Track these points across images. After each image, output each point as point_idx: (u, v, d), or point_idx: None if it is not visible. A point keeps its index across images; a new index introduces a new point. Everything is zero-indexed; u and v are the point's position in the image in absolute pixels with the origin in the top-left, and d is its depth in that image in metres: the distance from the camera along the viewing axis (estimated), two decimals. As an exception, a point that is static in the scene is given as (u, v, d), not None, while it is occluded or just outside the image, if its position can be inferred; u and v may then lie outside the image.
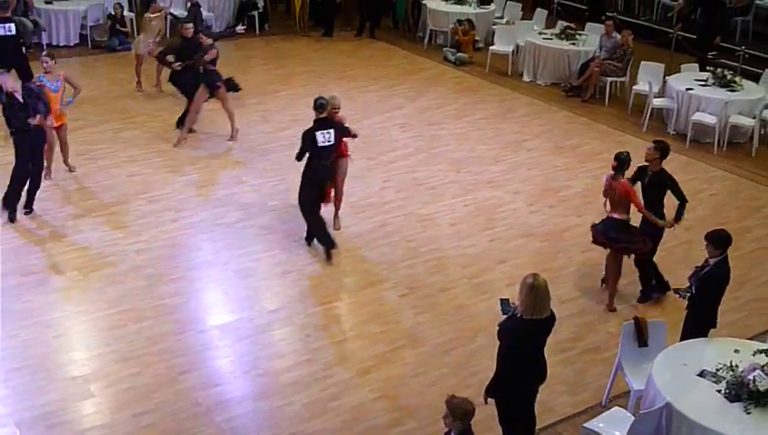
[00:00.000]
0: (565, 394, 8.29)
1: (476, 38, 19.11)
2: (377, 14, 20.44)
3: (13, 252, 10.17)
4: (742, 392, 6.81)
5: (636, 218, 9.69)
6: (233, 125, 13.68)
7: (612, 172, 9.39)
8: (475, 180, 12.81)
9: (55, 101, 11.42)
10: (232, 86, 13.93)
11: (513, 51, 18.08)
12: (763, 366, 6.93)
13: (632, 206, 9.45)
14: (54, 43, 17.83)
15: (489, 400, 6.86)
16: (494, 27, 19.29)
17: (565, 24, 18.23)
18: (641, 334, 7.92)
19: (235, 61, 17.88)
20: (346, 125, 10.66)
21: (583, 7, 21.36)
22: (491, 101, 16.30)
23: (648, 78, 15.43)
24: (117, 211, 11.33)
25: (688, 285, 8.07)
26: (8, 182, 10.86)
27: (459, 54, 18.47)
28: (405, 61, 18.66)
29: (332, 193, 10.88)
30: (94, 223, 11.00)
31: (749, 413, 6.71)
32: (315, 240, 10.62)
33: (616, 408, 7.57)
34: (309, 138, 10.15)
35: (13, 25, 14.08)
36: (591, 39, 17.36)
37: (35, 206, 11.06)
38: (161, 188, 12.02)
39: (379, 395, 8.18)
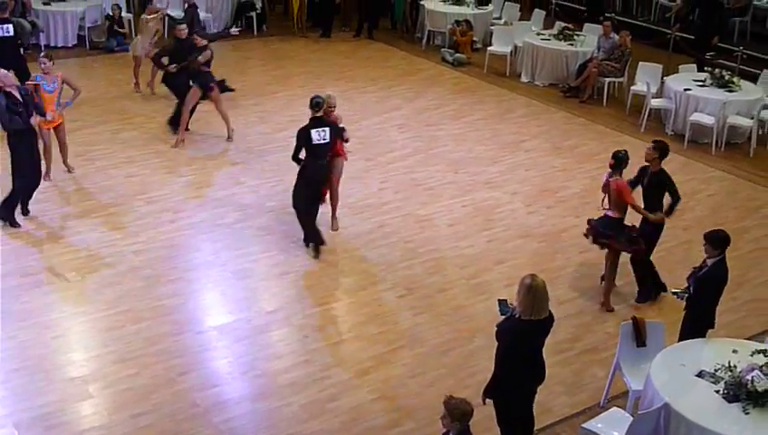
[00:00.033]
0: (563, 395, 8.29)
1: (474, 39, 19.11)
2: (375, 14, 20.44)
3: (11, 253, 10.17)
4: (740, 393, 6.81)
5: (635, 219, 9.69)
6: (228, 126, 13.68)
7: (610, 170, 9.42)
8: (473, 181, 12.81)
9: (50, 102, 11.43)
10: (224, 87, 13.92)
11: (511, 51, 18.08)
12: (762, 366, 6.94)
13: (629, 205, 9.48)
14: (52, 45, 17.83)
15: (487, 400, 6.86)
16: (492, 28, 19.30)
17: (563, 24, 18.22)
18: (639, 335, 7.93)
19: (233, 62, 17.90)
20: (341, 125, 10.65)
21: (581, 8, 21.38)
22: (489, 102, 16.30)
23: (645, 78, 15.44)
24: (115, 212, 11.33)
25: (686, 285, 8.08)
26: (11, 188, 10.77)
27: (457, 55, 18.48)
28: (403, 61, 18.66)
29: (327, 194, 10.89)
30: (92, 224, 11.00)
31: (747, 414, 6.71)
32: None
33: (614, 408, 7.58)
34: (304, 135, 10.19)
35: (11, 26, 14.08)
36: (589, 40, 17.37)
37: (33, 207, 11.04)
38: (159, 189, 12.01)
39: (378, 396, 8.18)
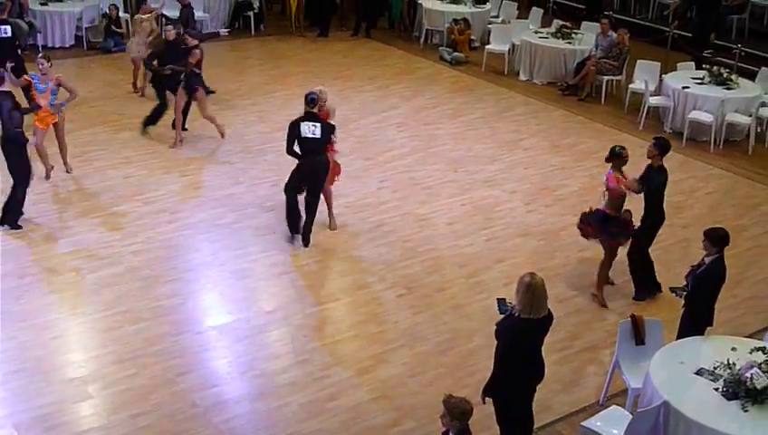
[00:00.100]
0: (563, 393, 8.30)
1: (472, 37, 19.11)
2: (373, 14, 20.43)
3: (10, 254, 10.16)
4: (739, 390, 6.81)
5: (636, 219, 9.72)
6: (217, 125, 13.62)
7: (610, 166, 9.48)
8: (472, 180, 12.81)
9: (42, 102, 11.53)
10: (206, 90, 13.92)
11: (509, 50, 18.08)
12: (760, 364, 6.94)
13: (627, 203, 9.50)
14: (50, 45, 17.82)
15: (487, 399, 6.85)
16: (490, 26, 19.33)
17: (561, 22, 18.24)
18: (638, 333, 7.93)
19: (231, 61, 17.92)
20: (332, 122, 10.62)
21: (579, 6, 21.38)
22: (487, 101, 16.30)
23: (644, 76, 15.44)
24: (113, 213, 11.33)
25: (685, 283, 8.08)
26: (10, 193, 10.75)
27: (455, 54, 18.47)
28: (401, 60, 18.66)
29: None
30: (91, 224, 10.99)
31: (746, 411, 6.71)
32: (311, 239, 10.64)
33: (613, 406, 7.57)
34: (293, 128, 10.28)
35: (9, 27, 14.09)
36: (587, 38, 17.37)
37: (32, 208, 11.03)
38: (157, 189, 12.01)
39: (377, 395, 8.17)
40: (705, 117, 14.31)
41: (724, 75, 14.90)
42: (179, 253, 10.50)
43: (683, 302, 8.09)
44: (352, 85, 16.74)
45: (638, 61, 16.06)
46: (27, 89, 12.13)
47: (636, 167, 9.84)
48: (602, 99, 16.27)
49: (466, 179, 12.80)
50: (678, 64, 16.10)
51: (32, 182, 10.88)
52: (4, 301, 9.24)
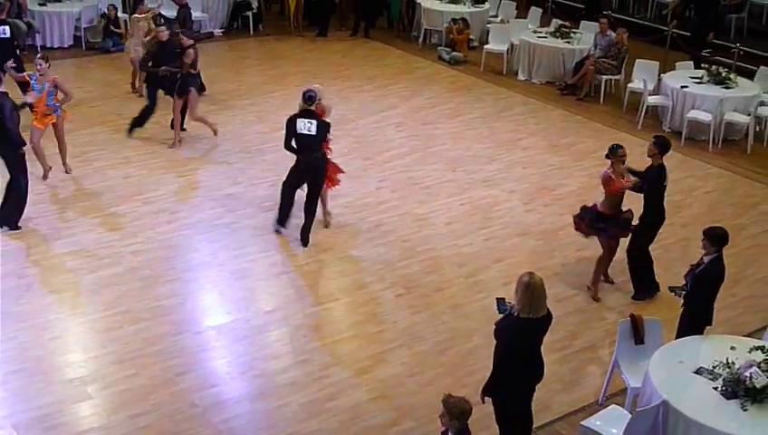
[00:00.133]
0: (562, 392, 8.30)
1: (471, 37, 19.09)
2: (372, 13, 20.42)
3: (9, 254, 10.16)
4: (738, 389, 6.82)
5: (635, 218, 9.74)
6: (209, 125, 13.60)
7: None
8: (471, 179, 12.81)
9: (37, 103, 11.57)
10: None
11: (507, 49, 18.07)
12: (760, 363, 6.95)
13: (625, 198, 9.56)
14: (48, 45, 17.79)
15: (486, 398, 6.86)
16: (489, 26, 19.32)
17: (560, 22, 18.24)
18: (637, 332, 7.94)
19: (230, 61, 17.93)
20: (327, 120, 10.64)
21: (578, 5, 21.38)
22: (486, 100, 16.30)
23: (642, 76, 15.45)
24: (112, 213, 11.33)
25: (684, 282, 8.09)
26: (8, 194, 10.73)
27: (454, 53, 18.47)
28: (399, 60, 18.66)
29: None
30: (90, 225, 10.99)
31: (746, 410, 6.72)
32: (310, 239, 10.65)
33: (613, 406, 7.58)
34: (289, 124, 10.33)
35: (7, 28, 14.10)
36: (586, 37, 17.36)
37: (31, 208, 11.01)
38: (157, 189, 12.01)
39: (376, 395, 8.18)
40: (704, 116, 14.31)
41: (723, 74, 14.91)
42: (178, 253, 10.51)
43: (682, 301, 8.09)
44: (351, 85, 16.74)
45: (637, 60, 16.07)
46: (25, 87, 12.15)
47: (635, 166, 9.86)
48: (601, 98, 16.28)
49: (465, 179, 12.81)
50: (677, 64, 16.11)
51: (30, 182, 10.88)
52: (4, 301, 9.24)
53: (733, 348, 7.34)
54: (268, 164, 12.81)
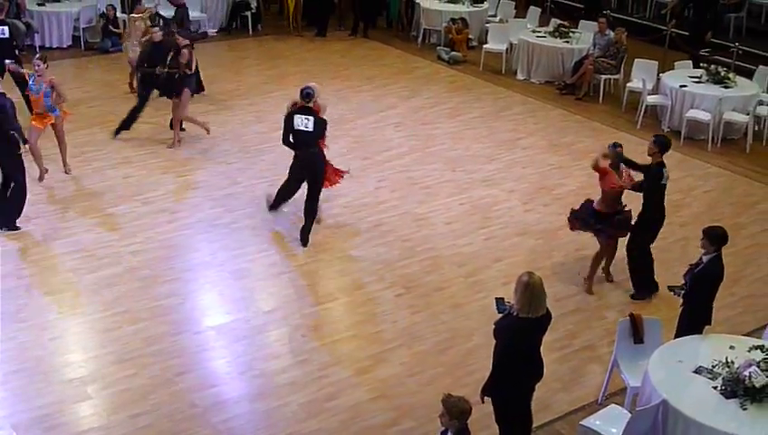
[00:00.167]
0: (561, 392, 8.30)
1: (470, 37, 19.09)
2: (372, 13, 20.41)
3: (9, 254, 10.16)
4: (738, 389, 6.82)
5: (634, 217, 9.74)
6: (198, 124, 13.56)
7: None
8: (470, 179, 12.81)
9: (34, 103, 11.61)
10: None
11: (506, 49, 18.07)
12: (759, 362, 6.95)
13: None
14: (47, 46, 17.79)
15: (486, 398, 6.86)
16: (488, 26, 19.32)
17: (558, 21, 18.24)
18: (637, 331, 7.94)
19: (229, 61, 17.93)
20: (323, 117, 10.65)
21: (577, 5, 21.38)
22: (485, 100, 16.30)
23: (641, 75, 15.45)
24: (112, 213, 11.33)
25: (683, 282, 8.09)
26: (7, 199, 10.73)
27: (453, 53, 18.47)
28: (398, 60, 18.66)
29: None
30: (89, 225, 10.99)
31: (745, 409, 6.72)
32: (309, 239, 10.65)
33: (612, 405, 7.58)
34: (287, 118, 10.40)
35: (6, 28, 14.06)
36: (585, 37, 17.36)
37: (30, 208, 11.02)
38: (156, 189, 12.01)
39: (376, 395, 8.18)
40: (703, 115, 14.32)
41: (722, 74, 14.91)
42: (178, 253, 10.51)
43: (681, 301, 8.10)
44: (350, 85, 16.74)
45: (636, 59, 16.06)
46: (23, 85, 12.17)
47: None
48: (600, 98, 16.28)
49: (464, 179, 12.81)
50: (676, 63, 16.11)
51: (28, 183, 10.87)
52: (4, 301, 9.24)
53: (732, 347, 7.34)
54: (267, 164, 12.82)
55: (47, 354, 8.54)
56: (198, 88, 15.20)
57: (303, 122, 10.29)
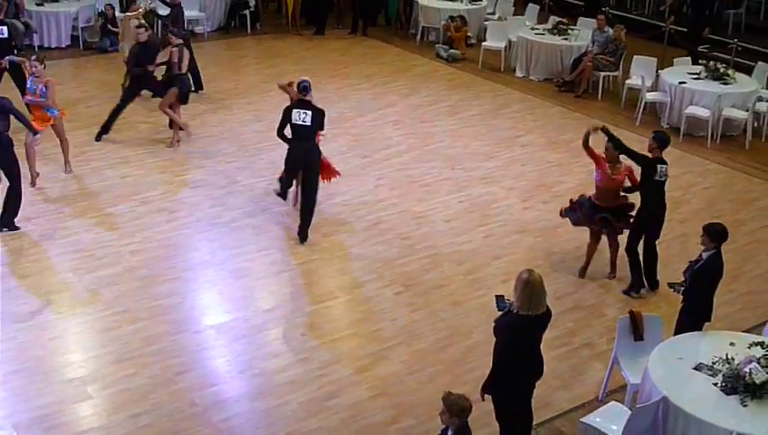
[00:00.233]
0: (562, 389, 8.30)
1: (468, 34, 19.08)
2: (371, 11, 20.39)
3: (8, 255, 10.16)
4: (738, 385, 6.82)
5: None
6: (177, 121, 13.38)
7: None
8: (469, 177, 12.81)
9: (34, 105, 11.63)
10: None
11: (505, 46, 18.07)
12: (759, 358, 6.95)
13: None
14: (46, 45, 17.78)
15: (486, 396, 6.86)
16: (486, 23, 19.33)
17: (557, 19, 18.23)
18: (637, 328, 7.94)
19: (227, 60, 17.91)
20: (320, 106, 10.65)
21: (576, 2, 21.36)
22: (484, 98, 16.30)
23: (640, 72, 15.45)
24: (111, 212, 11.32)
25: (683, 279, 8.09)
26: (6, 201, 10.72)
27: (451, 51, 18.46)
28: (397, 58, 18.65)
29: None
30: (88, 224, 10.98)
31: (745, 406, 6.72)
32: (309, 237, 10.65)
33: (612, 402, 7.59)
34: (285, 112, 10.45)
35: (5, 28, 14.08)
36: (584, 34, 17.36)
37: (29, 208, 11.01)
38: (155, 188, 12.00)
39: (376, 393, 8.18)
40: (702, 112, 14.32)
41: (721, 70, 14.91)
42: (177, 252, 10.50)
43: (681, 297, 8.09)
44: (349, 83, 16.73)
45: (635, 56, 16.07)
46: (23, 85, 12.19)
47: (635, 166, 9.84)
48: (599, 95, 16.28)
49: (463, 177, 12.80)
50: (675, 60, 16.12)
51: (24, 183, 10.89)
52: (4, 301, 9.23)
53: (732, 344, 7.34)
54: (266, 162, 12.81)
55: (47, 354, 8.54)
56: (197, 87, 15.21)
57: (301, 117, 10.31)
